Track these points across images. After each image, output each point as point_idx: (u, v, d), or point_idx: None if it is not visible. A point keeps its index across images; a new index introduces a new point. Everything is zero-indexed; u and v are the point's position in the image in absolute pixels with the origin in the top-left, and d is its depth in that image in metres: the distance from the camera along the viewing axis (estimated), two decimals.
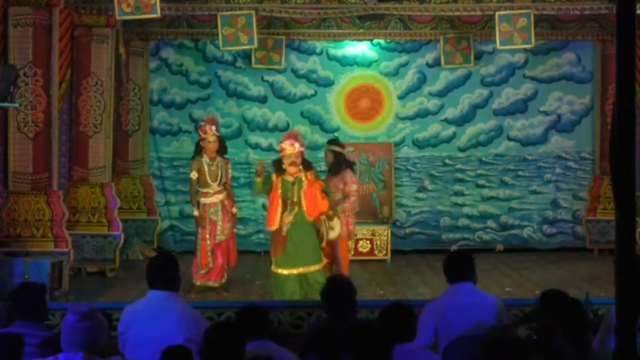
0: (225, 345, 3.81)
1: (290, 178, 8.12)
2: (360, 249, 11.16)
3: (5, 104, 7.74)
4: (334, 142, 9.42)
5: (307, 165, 8.27)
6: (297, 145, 8.08)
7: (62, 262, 8.35)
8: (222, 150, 8.88)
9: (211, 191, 8.73)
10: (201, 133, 8.78)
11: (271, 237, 8.36)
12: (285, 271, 8.11)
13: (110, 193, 9.82)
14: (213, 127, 8.76)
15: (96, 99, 9.66)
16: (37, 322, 4.55)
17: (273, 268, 8.20)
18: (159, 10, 8.75)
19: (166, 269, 4.76)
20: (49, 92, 8.43)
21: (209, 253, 8.67)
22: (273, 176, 8.22)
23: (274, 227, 8.14)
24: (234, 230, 8.98)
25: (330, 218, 8.40)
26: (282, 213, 8.12)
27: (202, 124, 8.88)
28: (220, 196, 8.76)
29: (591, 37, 11.57)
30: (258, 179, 8.22)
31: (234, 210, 8.91)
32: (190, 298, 8.14)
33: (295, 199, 8.10)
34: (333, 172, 8.99)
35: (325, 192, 8.27)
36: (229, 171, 8.91)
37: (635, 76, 2.25)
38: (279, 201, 8.11)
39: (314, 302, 7.12)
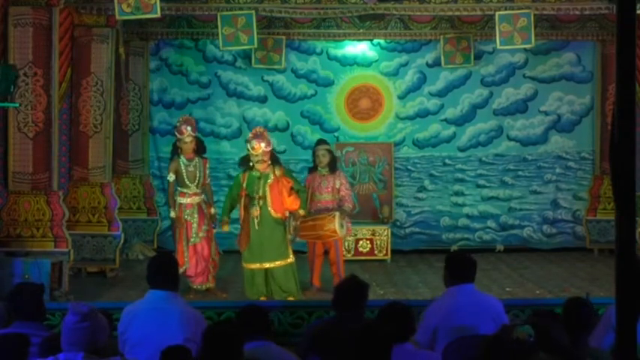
0: (224, 345, 3.81)
1: (257, 173, 8.18)
2: (360, 249, 11.15)
3: (5, 104, 7.74)
4: (325, 141, 9.52)
5: (276, 161, 8.34)
6: (263, 145, 8.14)
7: (62, 262, 8.35)
8: (200, 150, 8.84)
9: (189, 192, 8.68)
10: (177, 134, 8.74)
11: (240, 231, 8.46)
12: (252, 266, 8.20)
13: (110, 193, 9.82)
14: (189, 128, 8.71)
15: (96, 99, 9.66)
16: (36, 322, 4.54)
17: (243, 262, 8.32)
18: (159, 10, 8.75)
19: (166, 269, 4.76)
20: (49, 92, 8.43)
21: (185, 254, 8.63)
22: (240, 176, 8.31)
23: (240, 221, 8.29)
24: (214, 231, 8.86)
25: (342, 216, 8.53)
26: (249, 207, 8.18)
27: (178, 124, 8.84)
28: (197, 199, 8.71)
29: (591, 37, 11.56)
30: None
31: (213, 210, 8.83)
32: (190, 298, 8.14)
33: (260, 194, 8.14)
34: (330, 170, 9.07)
35: (297, 190, 8.28)
36: (208, 171, 8.87)
37: (635, 76, 2.25)
38: (244, 195, 8.18)
39: (314, 302, 7.13)
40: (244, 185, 8.20)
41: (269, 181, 8.15)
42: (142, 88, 11.66)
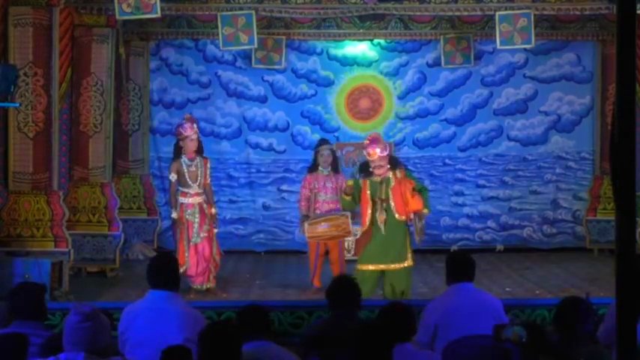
0: (221, 345, 3.81)
1: (378, 179, 8.06)
2: None
3: (5, 104, 7.75)
4: (327, 141, 9.51)
5: (395, 163, 8.18)
6: (378, 150, 8.00)
7: (62, 262, 8.35)
8: (200, 150, 8.84)
9: (191, 192, 8.66)
10: (182, 132, 8.67)
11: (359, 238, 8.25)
12: (366, 267, 7.96)
13: (110, 193, 9.82)
14: (195, 125, 8.76)
15: (96, 99, 9.67)
16: (36, 322, 4.54)
17: (358, 266, 8.04)
18: (159, 10, 8.75)
19: (166, 269, 4.76)
20: (49, 92, 8.43)
21: (186, 254, 8.62)
22: (360, 181, 8.13)
23: (365, 228, 8.03)
24: (215, 231, 8.86)
25: (353, 215, 8.37)
26: (374, 212, 7.98)
27: (183, 122, 8.78)
28: (199, 199, 8.69)
29: (591, 37, 11.56)
30: (348, 197, 8.15)
31: (214, 210, 8.83)
32: (190, 298, 8.15)
33: (384, 197, 8.00)
34: (333, 170, 9.10)
35: (419, 190, 8.06)
36: (209, 171, 8.84)
37: (635, 76, 2.25)
38: (369, 201, 8.02)
39: (314, 302, 7.13)
40: (368, 192, 8.05)
41: (391, 184, 8.03)
42: (142, 88, 11.66)
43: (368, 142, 8.10)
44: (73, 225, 9.38)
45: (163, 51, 11.94)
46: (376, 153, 7.95)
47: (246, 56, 11.74)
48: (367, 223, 8.00)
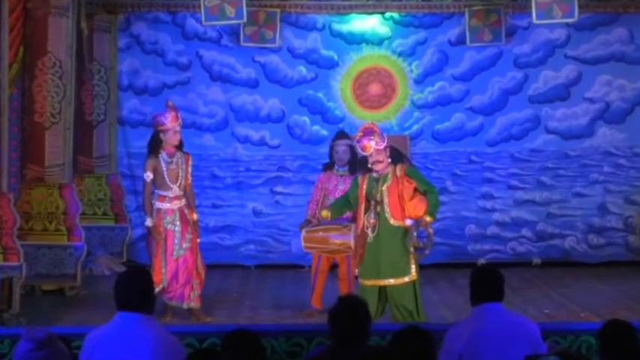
0: None
1: (376, 175, 8.08)
2: None
3: None
4: (346, 135, 9.44)
5: (397, 158, 8.16)
6: (372, 143, 7.98)
7: (12, 279, 8.35)
8: (180, 144, 8.76)
9: (170, 195, 8.60)
10: (165, 122, 8.53)
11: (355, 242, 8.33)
12: (366, 282, 8.04)
13: (70, 196, 9.83)
14: (178, 114, 8.69)
15: (54, 83, 9.67)
16: None
17: (360, 280, 8.15)
18: None
19: (138, 287, 4.74)
20: None
21: (163, 270, 8.55)
22: (359, 178, 8.20)
23: (358, 231, 8.12)
24: (198, 240, 8.79)
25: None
26: (365, 214, 8.05)
27: (165, 111, 8.62)
28: (179, 203, 8.63)
29: None
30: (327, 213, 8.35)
31: (195, 216, 8.77)
32: (166, 321, 8.13)
33: (378, 198, 8.01)
34: (350, 171, 9.03)
35: (424, 192, 8.03)
36: (191, 169, 8.76)
37: None
38: (364, 201, 8.06)
39: (314, 326, 7.12)
40: (364, 189, 8.09)
41: (387, 182, 8.04)
42: (108, 71, 11.67)
43: (361, 134, 8.11)
44: (26, 234, 9.39)
45: (134, 26, 11.94)
46: (370, 146, 7.96)
47: (234, 33, 11.75)
48: (360, 225, 8.04)
